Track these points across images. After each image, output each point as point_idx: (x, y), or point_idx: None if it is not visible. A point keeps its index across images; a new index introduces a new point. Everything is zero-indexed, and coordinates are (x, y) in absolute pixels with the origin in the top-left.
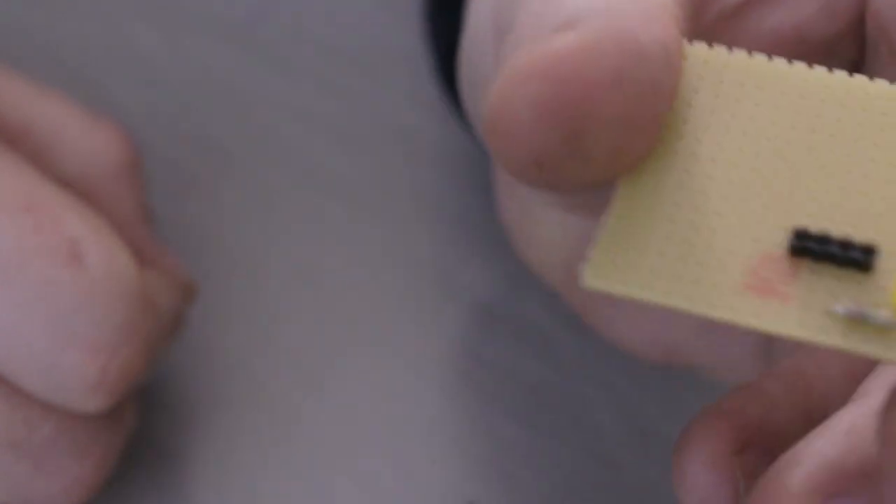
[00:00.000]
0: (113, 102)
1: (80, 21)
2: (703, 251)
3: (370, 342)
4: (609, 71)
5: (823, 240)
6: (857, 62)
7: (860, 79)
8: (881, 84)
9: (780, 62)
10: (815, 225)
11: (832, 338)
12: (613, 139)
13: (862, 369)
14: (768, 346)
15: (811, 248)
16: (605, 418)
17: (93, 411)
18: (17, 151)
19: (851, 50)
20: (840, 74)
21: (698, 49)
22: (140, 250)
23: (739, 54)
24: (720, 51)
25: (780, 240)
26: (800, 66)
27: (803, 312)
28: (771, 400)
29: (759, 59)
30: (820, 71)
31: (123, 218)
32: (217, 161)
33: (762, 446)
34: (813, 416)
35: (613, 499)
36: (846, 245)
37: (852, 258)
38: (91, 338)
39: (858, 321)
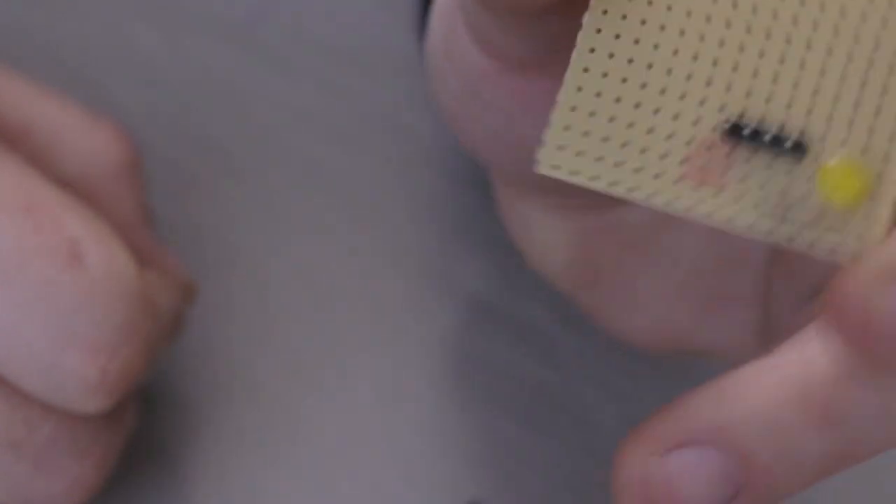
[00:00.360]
0: (113, 102)
1: (79, 21)
2: (646, 136)
3: (370, 342)
4: None
5: (757, 129)
6: None
7: None
8: None
9: None
10: (754, 108)
11: (758, 231)
12: None
13: None
14: (765, 327)
15: (745, 137)
16: (605, 418)
17: (93, 411)
18: (17, 152)
19: None
20: None
21: None
22: (140, 250)
23: None
24: None
25: (717, 124)
26: None
27: (734, 205)
28: None
29: None
30: None
31: (123, 218)
32: (217, 161)
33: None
34: None
35: (613, 498)
36: (779, 136)
37: (784, 148)
38: (91, 338)
39: (785, 215)
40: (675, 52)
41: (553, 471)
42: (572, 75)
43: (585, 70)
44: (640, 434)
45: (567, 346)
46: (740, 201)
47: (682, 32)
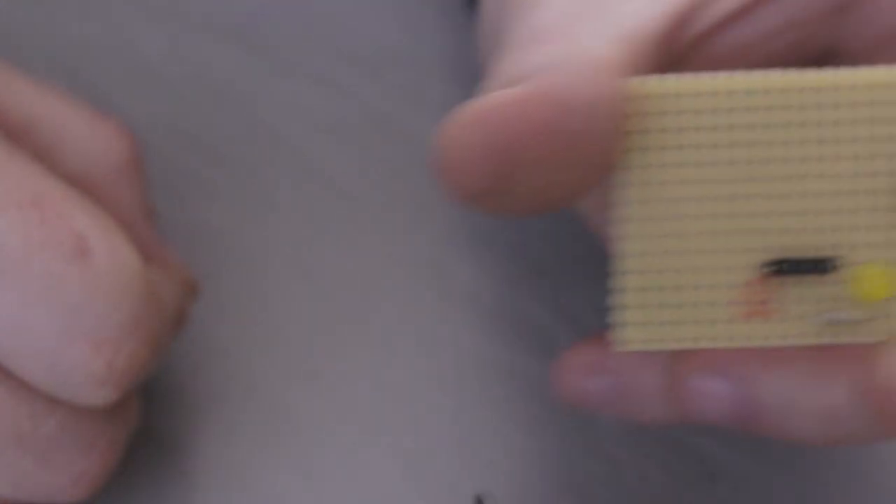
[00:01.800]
0: (114, 103)
1: (80, 22)
2: (693, 293)
3: (370, 341)
4: (535, 123)
5: (787, 259)
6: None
7: (795, 74)
8: (816, 74)
9: (721, 79)
10: (779, 240)
11: (810, 339)
12: (542, 179)
13: None
14: None
15: (779, 269)
16: (605, 417)
17: (99, 405)
18: (22, 147)
19: (810, 61)
20: (776, 76)
21: (643, 85)
22: (143, 246)
23: (677, 81)
24: (661, 82)
25: (752, 264)
26: (744, 77)
27: (783, 325)
28: None
29: (699, 80)
30: (759, 76)
31: (126, 214)
32: (217, 161)
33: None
34: None
35: (613, 496)
36: (811, 258)
37: (815, 268)
38: (97, 331)
39: (829, 319)
40: (698, 218)
41: (553, 469)
42: (621, 261)
43: (631, 254)
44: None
45: (567, 345)
46: (788, 320)
47: (698, 201)
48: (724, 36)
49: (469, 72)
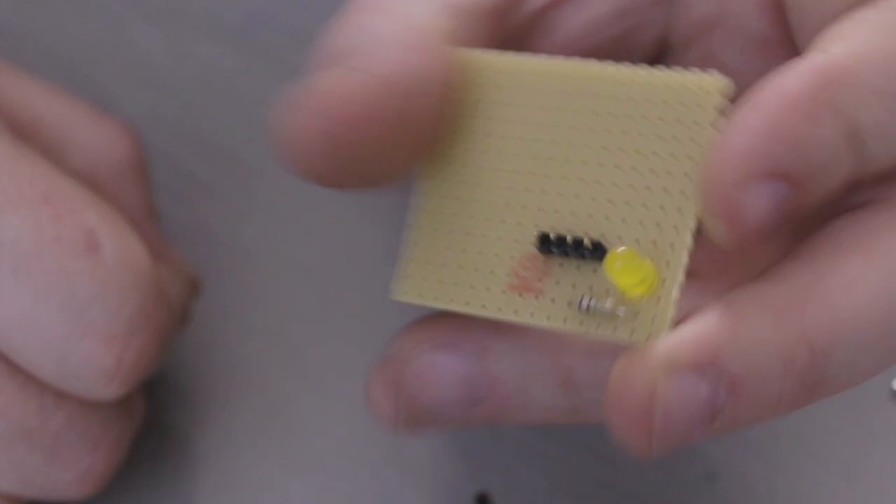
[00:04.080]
0: (115, 104)
1: (82, 23)
2: (476, 258)
3: (371, 339)
4: (363, 106)
5: (560, 240)
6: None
7: (594, 65)
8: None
9: (539, 59)
10: (561, 222)
11: (572, 325)
12: (377, 157)
13: None
14: None
15: (555, 246)
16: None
17: (107, 400)
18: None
19: (646, 49)
20: (580, 64)
21: (468, 56)
22: (148, 244)
23: (500, 56)
24: (484, 56)
25: (533, 240)
26: (553, 61)
27: (551, 306)
28: None
29: (519, 58)
30: (568, 62)
31: (131, 213)
32: (218, 161)
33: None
34: None
35: (613, 496)
36: (579, 243)
37: (586, 253)
38: (107, 326)
39: (591, 311)
40: (494, 187)
41: (554, 468)
42: (413, 216)
43: (423, 211)
44: (642, 355)
45: None
46: (556, 304)
47: (496, 170)
48: (557, 22)
49: None
